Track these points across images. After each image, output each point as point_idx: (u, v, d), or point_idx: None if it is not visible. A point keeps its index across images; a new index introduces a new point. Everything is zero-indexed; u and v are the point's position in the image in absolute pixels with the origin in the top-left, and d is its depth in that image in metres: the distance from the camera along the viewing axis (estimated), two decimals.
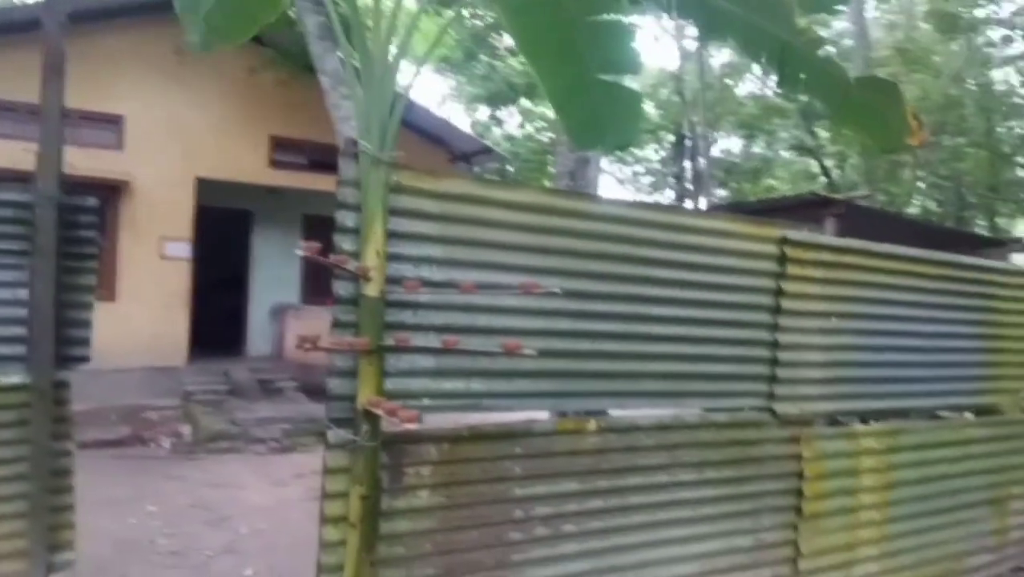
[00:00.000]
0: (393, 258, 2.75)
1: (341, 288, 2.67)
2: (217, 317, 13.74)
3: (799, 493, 3.71)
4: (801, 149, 25.73)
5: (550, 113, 25.72)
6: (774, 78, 3.02)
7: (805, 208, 7.81)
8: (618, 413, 3.38)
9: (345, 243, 2.69)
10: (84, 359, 3.59)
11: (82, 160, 9.96)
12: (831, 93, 3.07)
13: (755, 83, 25.28)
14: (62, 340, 3.47)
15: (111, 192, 10.41)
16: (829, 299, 3.85)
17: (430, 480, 2.84)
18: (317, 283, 13.10)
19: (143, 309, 10.59)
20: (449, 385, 2.89)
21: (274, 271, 12.65)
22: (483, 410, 2.97)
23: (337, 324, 2.67)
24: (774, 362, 3.64)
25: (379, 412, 2.35)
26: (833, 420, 4.03)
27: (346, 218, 2.70)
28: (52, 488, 3.40)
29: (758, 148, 27.58)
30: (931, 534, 4.24)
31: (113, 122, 10.55)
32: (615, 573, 3.21)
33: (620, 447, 3.25)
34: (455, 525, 2.88)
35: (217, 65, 11.13)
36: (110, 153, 10.43)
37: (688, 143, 25.19)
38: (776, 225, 3.69)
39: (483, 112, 25.65)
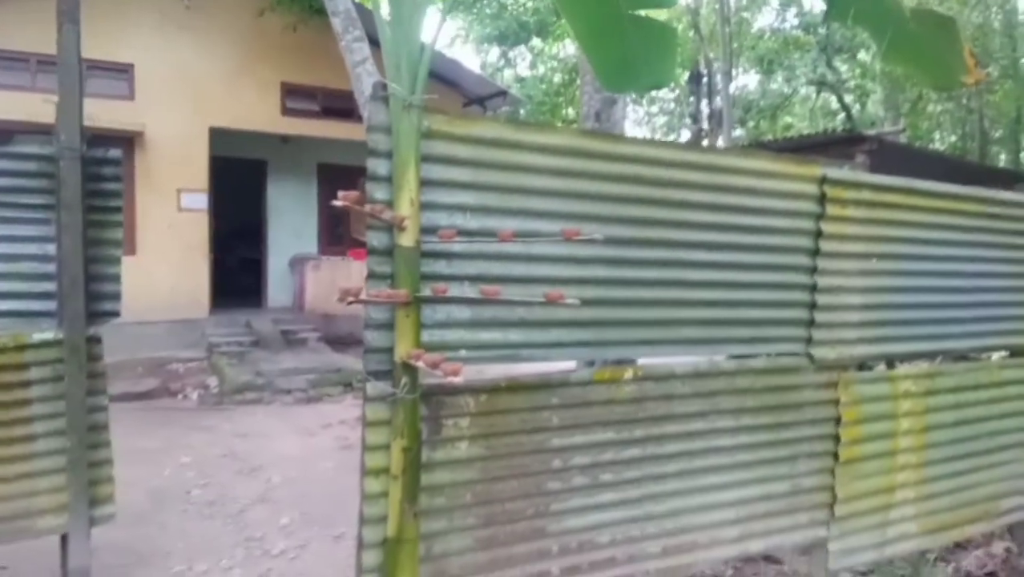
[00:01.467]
0: (426, 207, 2.67)
1: (375, 239, 2.60)
2: (236, 269, 13.82)
3: (836, 438, 3.67)
4: (821, 84, 25.12)
5: (562, 52, 25.21)
6: (821, 8, 2.86)
7: (835, 145, 7.60)
8: (654, 361, 3.33)
9: (377, 192, 2.61)
10: (115, 313, 3.58)
11: (94, 111, 9.83)
12: (883, 25, 2.91)
13: (773, 16, 24.57)
14: (92, 295, 3.46)
15: (125, 144, 10.32)
16: (869, 240, 3.74)
17: (469, 432, 2.81)
18: (334, 234, 13.08)
19: (163, 262, 10.61)
20: (487, 336, 2.84)
21: (291, 221, 12.61)
22: (521, 361, 2.93)
23: (372, 275, 2.61)
24: (812, 306, 3.56)
25: (420, 365, 2.30)
26: (870, 364, 3.96)
27: (378, 166, 2.61)
28: (89, 443, 3.43)
29: (775, 85, 26.96)
30: (967, 477, 4.20)
31: (123, 71, 10.40)
32: (652, 521, 3.21)
33: (656, 395, 3.20)
34: (494, 475, 2.87)
35: (224, 9, 10.90)
36: (121, 103, 10.31)
37: (704, 81, 24.61)
38: (816, 163, 3.56)
39: (493, 54, 25.15)
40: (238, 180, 12.57)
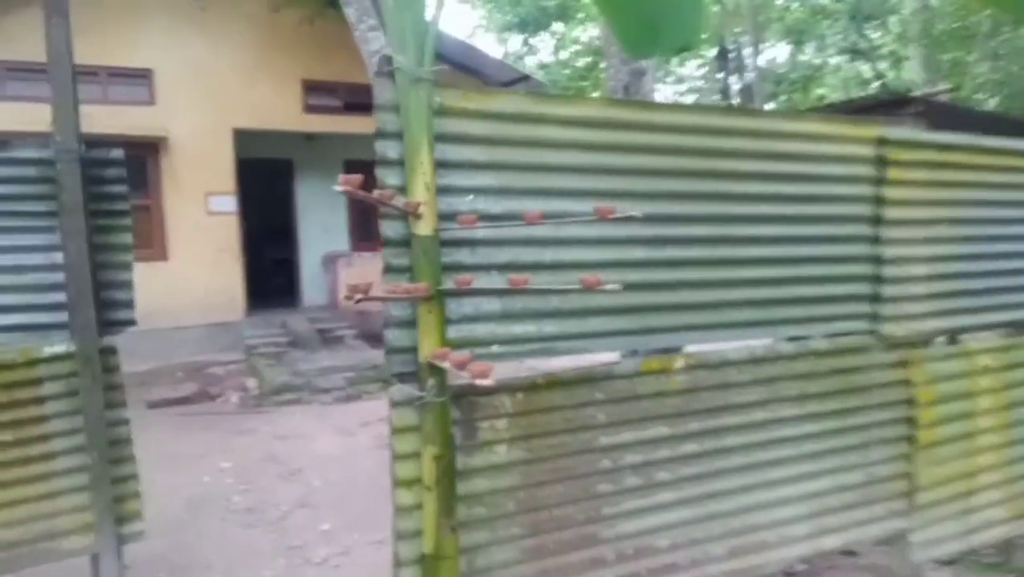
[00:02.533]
0: (443, 191, 2.42)
1: (389, 229, 2.37)
2: (270, 269, 13.78)
3: (911, 421, 3.35)
4: (853, 53, 24.24)
5: (585, 36, 24.71)
6: None
7: (878, 109, 7.16)
8: (705, 348, 3.05)
9: (389, 177, 2.37)
10: (129, 322, 3.40)
11: (116, 118, 9.83)
12: None
13: None
14: (104, 304, 3.29)
15: (150, 149, 10.28)
16: (934, 204, 3.39)
17: (507, 434, 2.57)
18: (365, 229, 12.93)
19: (196, 266, 10.57)
20: (519, 329, 2.58)
21: (321, 219, 12.48)
22: (557, 354, 2.67)
23: (389, 269, 2.38)
24: (877, 279, 3.24)
25: (445, 365, 2.06)
26: (943, 338, 3.61)
27: (387, 148, 2.37)
28: (112, 458, 3.27)
29: (805, 56, 26.11)
30: None
31: (143, 76, 10.33)
32: (715, 520, 2.93)
33: (711, 385, 2.92)
34: (538, 480, 2.62)
35: (239, 7, 10.77)
36: (143, 109, 10.25)
37: (731, 56, 23.92)
38: (872, 123, 3.22)
39: (515, 42, 24.77)
40: (266, 181, 12.47)
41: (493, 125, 2.52)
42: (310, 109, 11.53)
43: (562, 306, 2.64)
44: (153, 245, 10.51)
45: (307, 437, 6.91)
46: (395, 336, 2.39)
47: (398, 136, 2.36)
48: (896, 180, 3.23)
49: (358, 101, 11.59)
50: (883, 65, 24.46)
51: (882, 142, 3.19)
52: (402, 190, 2.35)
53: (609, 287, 2.00)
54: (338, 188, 1.82)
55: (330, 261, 12.26)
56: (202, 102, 10.55)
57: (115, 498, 3.26)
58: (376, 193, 2.11)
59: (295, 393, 8.39)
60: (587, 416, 2.70)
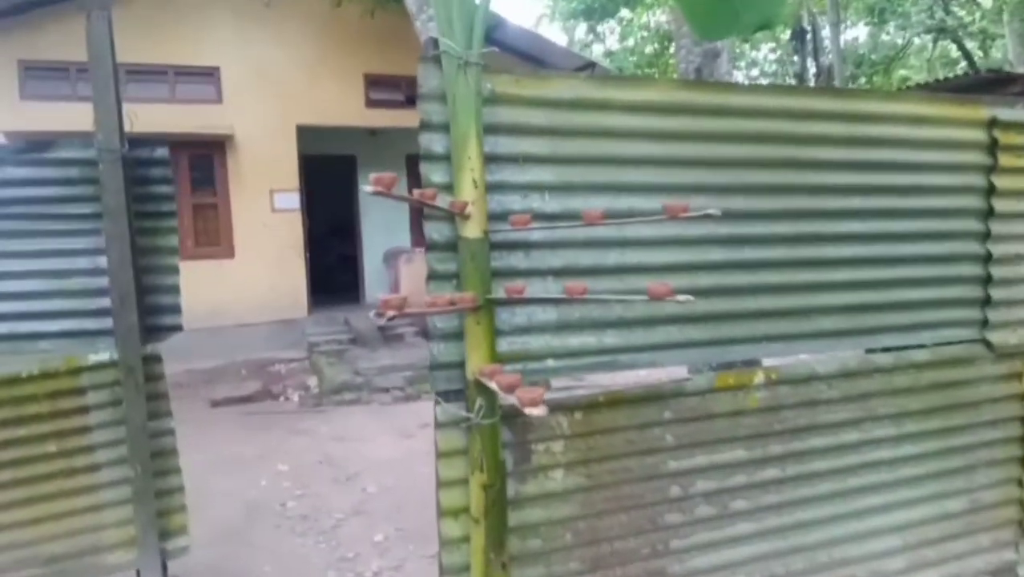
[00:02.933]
0: (494, 188, 2.18)
1: (434, 230, 2.14)
2: (332, 266, 13.83)
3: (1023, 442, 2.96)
4: (940, 31, 22.89)
5: (653, 22, 24.08)
6: None
7: (978, 89, 6.57)
8: (788, 361, 2.73)
9: (434, 174, 2.14)
10: (175, 328, 3.27)
11: (184, 117, 9.94)
12: None
13: None
14: (148, 309, 3.16)
15: (216, 148, 10.38)
16: None
17: (564, 458, 2.31)
18: None
19: (260, 264, 10.63)
20: (577, 341, 2.32)
21: (383, 216, 12.42)
22: (620, 368, 2.40)
23: (433, 276, 2.15)
24: (987, 280, 2.85)
25: (493, 386, 1.82)
26: None
27: (432, 142, 2.14)
28: (156, 470, 3.15)
29: (887, 36, 24.85)
30: None
31: (209, 75, 10.42)
32: (799, 554, 2.62)
33: (796, 402, 2.60)
34: (599, 509, 2.36)
35: (301, 3, 10.76)
36: (210, 107, 10.34)
37: (808, 37, 22.90)
38: (981, 104, 2.83)
39: (580, 30, 24.33)
40: (329, 177, 12.49)
41: (550, 113, 2.26)
42: (372, 104, 11.46)
43: (625, 314, 2.37)
44: (220, 243, 10.63)
45: (364, 439, 6.80)
46: (440, 350, 2.16)
47: (444, 128, 2.13)
48: (1008, 167, 2.84)
49: None
50: (971, 44, 23.08)
51: (993, 124, 2.80)
52: (449, 188, 2.12)
53: (681, 298, 1.72)
54: (368, 189, 1.59)
55: (392, 257, 12.19)
56: (266, 99, 10.59)
57: (159, 512, 3.14)
58: (416, 192, 1.88)
59: (355, 393, 8.32)
60: (654, 438, 2.42)
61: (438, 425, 2.17)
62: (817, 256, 2.61)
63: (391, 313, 1.54)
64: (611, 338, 2.36)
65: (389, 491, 5.35)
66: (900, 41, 24.97)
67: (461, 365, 2.15)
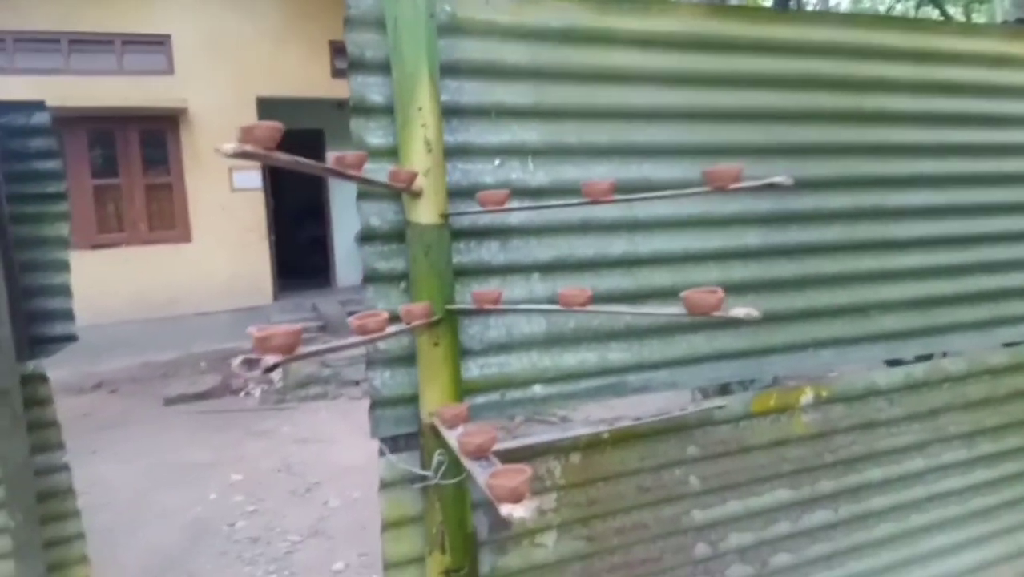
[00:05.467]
0: (456, 153, 1.56)
1: (372, 213, 1.52)
2: (300, 249, 13.10)
3: None
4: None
5: None
6: None
7: None
8: (837, 374, 2.15)
9: (370, 134, 1.52)
10: (68, 338, 2.61)
11: (132, 89, 9.12)
12: None
13: None
14: (31, 316, 2.51)
15: (169, 123, 9.57)
16: None
17: (557, 517, 1.71)
18: None
19: (220, 247, 9.89)
20: (573, 359, 1.72)
21: (353, 194, 11.67)
22: (628, 393, 1.80)
23: (371, 277, 1.54)
24: None
25: (453, 444, 1.22)
26: None
27: (366, 87, 1.51)
28: (46, 516, 2.52)
29: (867, 3, 24.32)
30: None
31: (160, 43, 9.58)
32: None
33: (851, 425, 2.02)
34: None
35: None
36: (161, 79, 9.52)
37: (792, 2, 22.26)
38: None
39: None
40: (295, 153, 11.67)
41: (535, 47, 1.63)
42: (339, 74, 10.66)
43: (636, 321, 1.77)
44: (176, 226, 9.86)
45: (330, 440, 6.18)
46: (383, 381, 1.55)
47: (383, 67, 1.50)
48: None
49: None
50: (953, 11, 22.60)
51: None
52: (392, 154, 1.50)
53: (740, 313, 1.12)
54: (225, 149, 0.96)
55: None
56: (223, 69, 9.78)
57: (50, 566, 2.52)
58: (332, 159, 1.25)
59: (321, 386, 7.68)
60: (675, 482, 1.83)
61: (382, 485, 1.56)
62: (881, 237, 2.01)
63: (271, 360, 0.92)
64: (617, 353, 1.76)
65: (353, 505, 4.74)
66: (882, 8, 24.44)
67: (414, 400, 1.54)
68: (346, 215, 11.77)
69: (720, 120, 1.83)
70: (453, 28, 1.56)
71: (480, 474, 1.08)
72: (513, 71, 1.62)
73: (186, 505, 4.82)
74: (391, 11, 1.45)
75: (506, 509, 0.95)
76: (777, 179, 1.20)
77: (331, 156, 1.26)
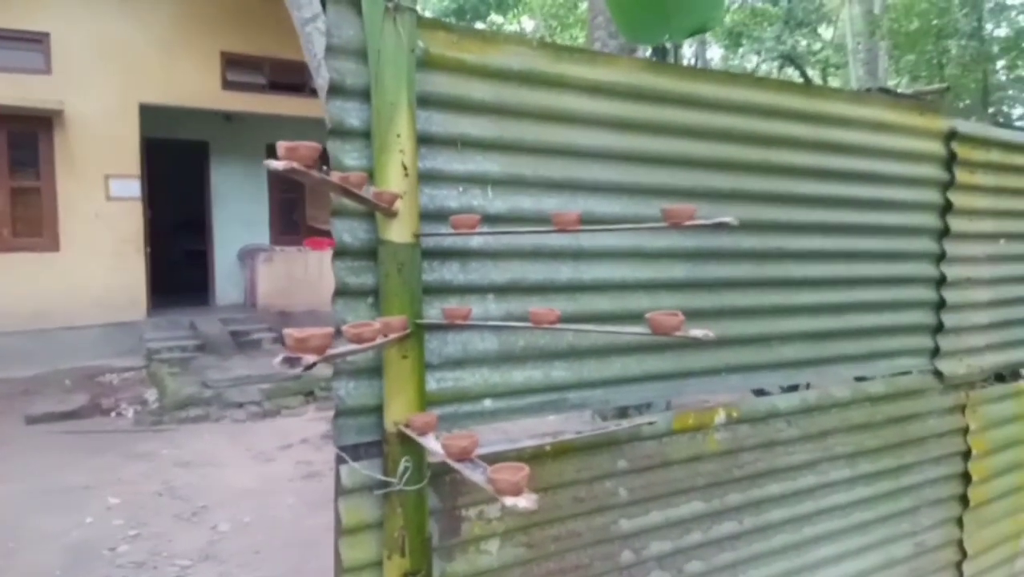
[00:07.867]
0: (425, 178, 1.66)
1: (345, 230, 1.59)
2: (178, 263, 12.57)
3: (964, 477, 2.79)
4: (787, 58, 24.39)
5: (517, 27, 24.04)
6: None
7: None
8: (738, 396, 2.38)
9: (347, 156, 1.59)
10: None
11: (4, 87, 8.55)
12: None
13: None
14: None
15: (42, 124, 9.01)
16: (996, 215, 2.85)
17: (501, 525, 1.82)
18: (287, 221, 11.89)
19: (92, 258, 9.34)
20: (521, 376, 1.84)
21: (238, 209, 11.35)
22: (568, 409, 1.95)
23: (342, 291, 1.60)
24: (940, 305, 2.65)
25: (437, 450, 1.31)
26: (998, 376, 3.07)
27: (345, 112, 1.59)
28: None
29: (736, 61, 26.19)
30: None
31: (37, 41, 9.04)
32: None
33: (755, 444, 2.25)
34: None
35: None
36: (36, 78, 8.97)
37: (667, 58, 23.66)
38: (941, 114, 2.62)
39: None
40: (177, 164, 11.28)
41: (496, 86, 1.77)
42: (230, 86, 10.41)
43: (578, 343, 1.92)
44: (43, 234, 9.23)
45: (215, 464, 5.95)
46: (348, 391, 1.61)
47: (363, 95, 1.59)
48: (964, 184, 2.66)
49: (284, 79, 10.58)
50: (813, 72, 24.71)
51: (952, 136, 2.60)
52: (368, 174, 1.58)
53: (699, 333, 1.29)
54: (276, 164, 1.03)
55: (247, 256, 11.17)
56: (105, 73, 9.33)
57: None
58: (336, 176, 1.33)
59: (203, 408, 7.37)
60: (606, 493, 1.99)
61: (342, 492, 1.61)
62: (783, 275, 2.27)
63: (310, 360, 0.99)
64: (560, 372, 1.90)
65: (246, 529, 4.61)
66: (749, 66, 26.36)
67: (377, 410, 1.62)
68: (228, 230, 11.41)
69: (652, 164, 2.02)
70: (426, 63, 1.67)
71: (474, 473, 1.18)
72: (478, 106, 1.75)
73: (61, 532, 4.54)
74: (375, 43, 1.55)
75: (510, 501, 1.06)
76: (724, 219, 1.39)
77: (336, 174, 1.33)
